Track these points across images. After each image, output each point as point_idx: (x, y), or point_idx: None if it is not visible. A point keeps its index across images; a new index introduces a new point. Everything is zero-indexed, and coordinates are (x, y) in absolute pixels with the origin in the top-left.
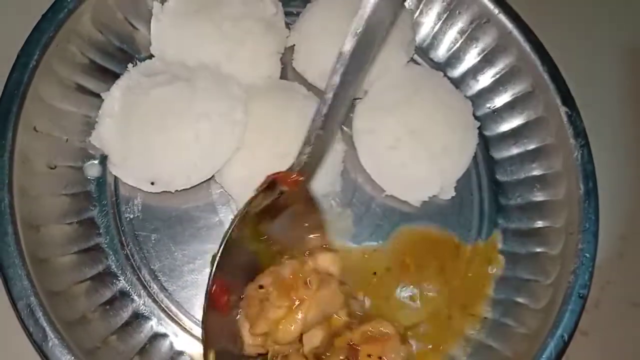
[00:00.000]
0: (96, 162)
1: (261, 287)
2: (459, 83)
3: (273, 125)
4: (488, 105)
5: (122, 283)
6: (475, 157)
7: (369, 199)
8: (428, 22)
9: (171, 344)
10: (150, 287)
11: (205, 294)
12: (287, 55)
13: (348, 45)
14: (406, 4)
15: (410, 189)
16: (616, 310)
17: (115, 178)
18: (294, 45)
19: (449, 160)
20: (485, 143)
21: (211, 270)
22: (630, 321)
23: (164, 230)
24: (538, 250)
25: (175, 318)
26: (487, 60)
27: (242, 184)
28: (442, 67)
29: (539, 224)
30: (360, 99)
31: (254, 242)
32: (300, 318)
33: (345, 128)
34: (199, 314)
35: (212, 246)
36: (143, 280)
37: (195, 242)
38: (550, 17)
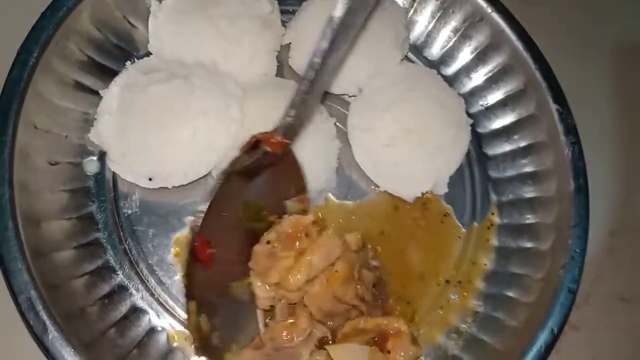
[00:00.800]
0: (95, 158)
1: (268, 242)
2: (452, 81)
3: (268, 123)
4: (481, 102)
5: (120, 277)
6: (468, 154)
7: (363, 195)
8: (422, 21)
9: (168, 337)
10: (147, 281)
11: (189, 248)
12: (283, 53)
13: (339, 11)
14: (400, 2)
15: (404, 185)
16: (606, 305)
17: (114, 174)
18: (290, 43)
19: (443, 157)
20: (478, 140)
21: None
22: (620, 315)
23: (162, 225)
24: (529, 245)
25: (172, 311)
26: (480, 58)
27: None
28: (436, 65)
29: (530, 219)
30: (355, 96)
31: (237, 200)
32: (306, 263)
33: (340, 125)
34: None
35: None
36: (141, 274)
37: None
38: (543, 16)
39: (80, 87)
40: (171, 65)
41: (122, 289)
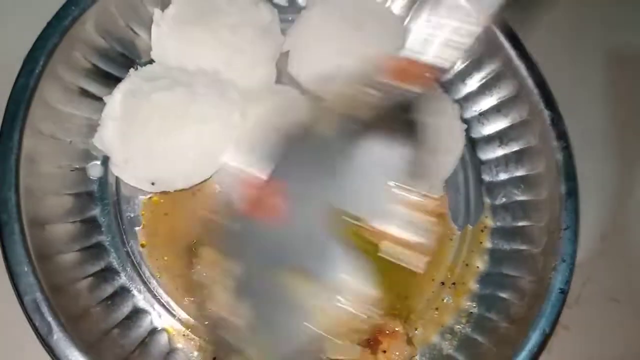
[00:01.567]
0: (98, 163)
1: None
2: (446, 87)
3: (269, 128)
4: (475, 108)
5: (122, 279)
6: (462, 158)
7: None
8: (417, 29)
9: (169, 338)
10: (149, 282)
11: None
12: (282, 61)
13: None
14: (396, 11)
15: None
16: (596, 306)
17: (117, 178)
18: (289, 51)
19: (437, 161)
20: (472, 144)
21: None
22: (610, 316)
23: None
24: (521, 247)
25: (173, 312)
26: (473, 65)
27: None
28: None
29: (523, 222)
30: None
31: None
32: None
33: None
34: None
35: None
36: (143, 276)
37: None
38: (535, 24)
39: (84, 93)
40: (174, 73)
41: (124, 291)
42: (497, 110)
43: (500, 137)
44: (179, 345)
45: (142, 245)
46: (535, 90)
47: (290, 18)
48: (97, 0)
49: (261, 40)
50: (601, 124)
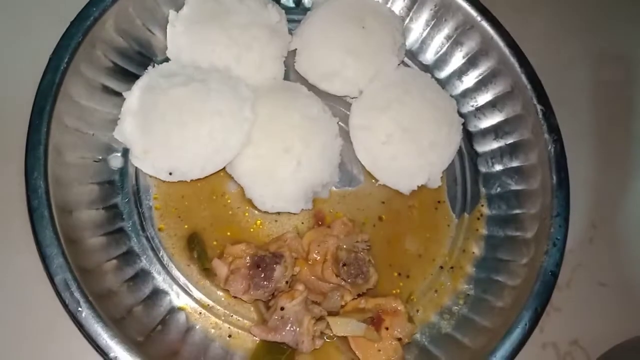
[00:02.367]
0: (119, 154)
1: None
2: (445, 83)
3: (277, 123)
4: (471, 103)
5: (143, 262)
6: (459, 151)
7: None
8: (417, 28)
9: (187, 316)
10: (167, 265)
11: None
12: (289, 59)
13: None
14: (397, 11)
15: (401, 179)
16: (586, 289)
17: (136, 169)
18: (296, 49)
19: (436, 154)
20: (469, 138)
21: None
22: (598, 299)
23: None
24: (515, 234)
25: (190, 292)
26: (470, 62)
27: (250, 174)
28: (430, 69)
29: (516, 210)
30: (356, 98)
31: None
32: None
33: (342, 124)
34: (212, 290)
35: None
36: (162, 259)
37: None
38: (528, 23)
39: (105, 89)
40: (188, 70)
41: (145, 273)
42: (492, 105)
43: (495, 131)
44: (196, 323)
45: (160, 229)
46: (528, 87)
47: (297, 19)
48: (116, 1)
49: (270, 39)
50: (590, 117)
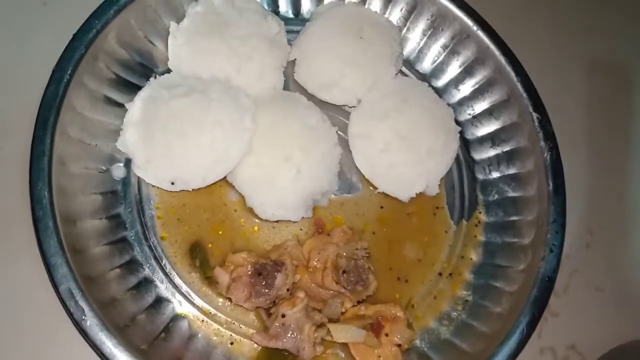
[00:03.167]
0: (122, 164)
1: None
2: (442, 92)
3: (277, 132)
4: (468, 112)
5: (146, 271)
6: (457, 158)
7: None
8: (414, 38)
9: (189, 323)
10: (170, 274)
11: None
12: (289, 69)
13: None
14: (394, 21)
15: (400, 186)
16: (583, 295)
17: (139, 178)
18: (295, 59)
19: (434, 161)
20: (466, 145)
21: None
22: (595, 304)
23: None
24: (512, 240)
25: (193, 301)
26: (467, 71)
27: (250, 182)
28: (427, 78)
29: (514, 217)
30: (355, 107)
31: None
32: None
33: (341, 133)
34: (214, 297)
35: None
36: (164, 268)
37: None
38: (524, 33)
39: (108, 100)
40: (190, 81)
41: (147, 281)
42: (489, 113)
43: (492, 138)
44: (199, 330)
45: (162, 238)
46: (524, 95)
47: (296, 29)
48: (118, 14)
49: (269, 49)
50: (586, 125)
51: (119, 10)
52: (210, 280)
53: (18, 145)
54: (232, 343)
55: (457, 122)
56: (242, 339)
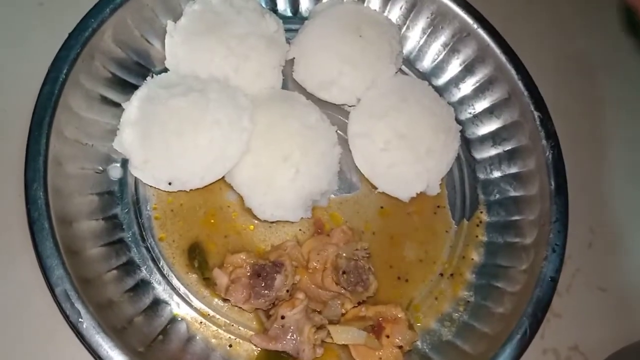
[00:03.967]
0: (118, 165)
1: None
2: (442, 91)
3: (276, 131)
4: (469, 110)
5: (143, 272)
6: (458, 157)
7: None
8: (414, 36)
9: (187, 326)
10: (168, 275)
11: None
12: (287, 68)
13: None
14: (394, 19)
15: (400, 186)
16: (585, 294)
17: (136, 179)
18: (294, 58)
19: (434, 161)
20: (467, 144)
21: None
22: (598, 304)
23: None
24: (514, 240)
25: (190, 303)
26: (467, 70)
27: (249, 183)
28: (427, 76)
29: (515, 217)
30: (354, 106)
31: None
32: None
33: (340, 132)
34: (212, 299)
35: None
36: (162, 270)
37: None
38: (524, 31)
39: (104, 100)
40: (187, 80)
41: (145, 283)
42: (490, 112)
43: (493, 137)
44: (197, 333)
45: (160, 239)
46: (525, 94)
47: (294, 28)
48: (114, 12)
49: (267, 48)
50: (588, 123)
51: (115, 9)
52: (208, 281)
53: (13, 146)
54: (230, 345)
55: (458, 121)
56: (241, 341)
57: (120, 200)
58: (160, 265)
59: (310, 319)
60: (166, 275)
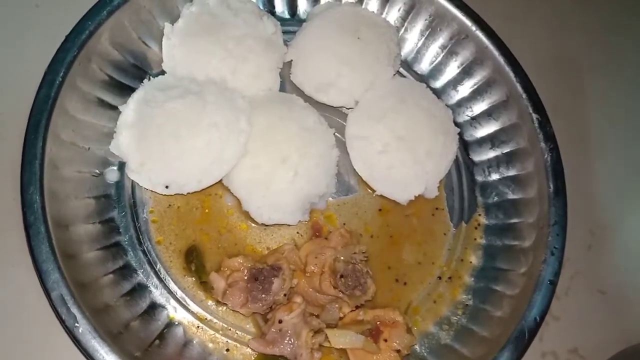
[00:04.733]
0: (115, 168)
1: None
2: (440, 93)
3: (274, 134)
4: (467, 113)
5: (140, 276)
6: (456, 160)
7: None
8: (412, 39)
9: (184, 330)
10: (165, 279)
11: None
12: (285, 70)
13: None
14: (392, 21)
15: (398, 188)
16: (584, 297)
17: (133, 182)
18: (292, 60)
19: (432, 163)
20: (465, 147)
21: None
22: (597, 306)
23: None
24: (513, 243)
25: (188, 307)
26: (465, 72)
27: (247, 185)
28: (425, 79)
29: (514, 219)
30: (352, 108)
31: None
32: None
33: (338, 135)
34: (209, 303)
35: None
36: (159, 273)
37: None
38: (523, 33)
39: (101, 103)
40: (185, 83)
41: (142, 287)
42: (488, 114)
43: (491, 140)
44: (194, 337)
45: (157, 243)
46: (523, 96)
47: (292, 30)
48: (112, 15)
49: (265, 51)
50: (586, 125)
51: (112, 12)
52: (205, 285)
53: (9, 149)
54: (228, 350)
55: (456, 124)
56: (238, 345)
57: (116, 203)
58: (157, 269)
59: (308, 323)
60: (163, 279)
